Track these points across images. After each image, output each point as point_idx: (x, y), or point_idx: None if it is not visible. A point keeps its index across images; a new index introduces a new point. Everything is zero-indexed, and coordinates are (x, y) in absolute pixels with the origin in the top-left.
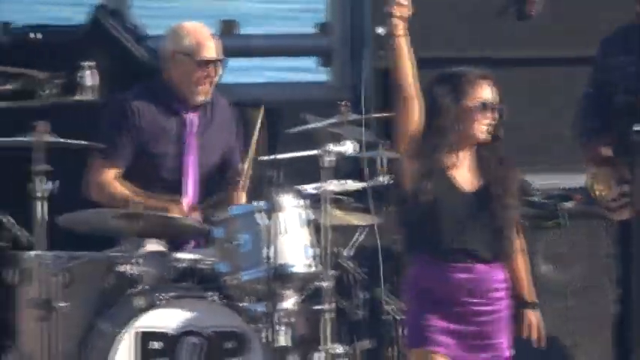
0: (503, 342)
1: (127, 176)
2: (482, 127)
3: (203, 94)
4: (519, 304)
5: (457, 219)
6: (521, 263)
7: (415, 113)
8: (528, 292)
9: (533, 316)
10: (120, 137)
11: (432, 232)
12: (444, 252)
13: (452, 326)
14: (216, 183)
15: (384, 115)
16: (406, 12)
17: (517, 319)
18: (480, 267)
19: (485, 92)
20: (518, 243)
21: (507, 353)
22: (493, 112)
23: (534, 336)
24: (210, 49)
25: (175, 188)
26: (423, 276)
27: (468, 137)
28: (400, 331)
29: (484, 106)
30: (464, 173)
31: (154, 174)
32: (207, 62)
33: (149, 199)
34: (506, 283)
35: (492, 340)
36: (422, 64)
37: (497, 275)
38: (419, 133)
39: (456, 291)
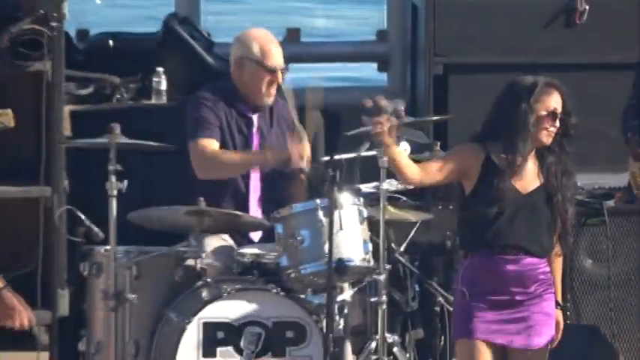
0: (546, 329)
1: None
2: (549, 133)
3: (268, 97)
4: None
5: (513, 217)
6: (559, 266)
7: (429, 180)
8: (561, 293)
9: (560, 316)
10: (209, 118)
11: (489, 228)
12: (498, 246)
13: (499, 315)
14: (280, 178)
15: (439, 118)
16: (387, 126)
17: None
18: (529, 260)
19: (555, 100)
20: (559, 248)
21: (548, 336)
22: (558, 120)
23: (558, 335)
24: (276, 57)
25: (242, 182)
26: (476, 268)
27: (534, 142)
28: (449, 322)
29: (553, 114)
30: (523, 175)
31: None
32: (273, 68)
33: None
34: (550, 277)
35: (536, 326)
36: (482, 68)
37: (544, 269)
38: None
39: (506, 281)
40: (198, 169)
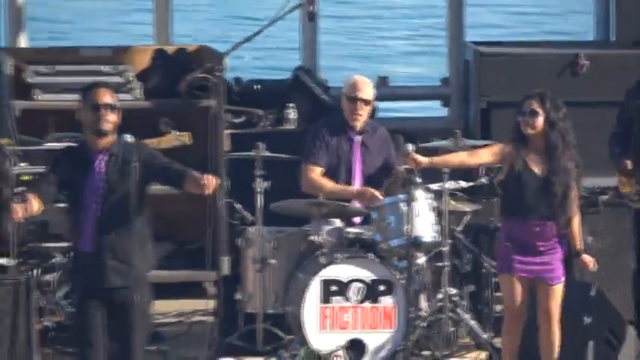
0: (559, 269)
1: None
2: (525, 129)
3: (355, 121)
4: (576, 253)
5: (533, 192)
6: (576, 225)
7: (479, 161)
8: (580, 244)
9: (586, 257)
10: (319, 148)
11: (519, 200)
12: (526, 213)
13: (527, 259)
14: (378, 180)
15: (484, 142)
16: (419, 165)
17: (570, 266)
18: (547, 223)
19: (527, 106)
20: (576, 211)
21: (560, 276)
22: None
23: (592, 266)
24: (362, 92)
25: (348, 183)
26: (511, 228)
27: (531, 141)
28: (493, 279)
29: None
30: (536, 162)
31: (337, 173)
32: (354, 98)
33: (341, 189)
34: (559, 234)
35: (552, 266)
36: (514, 105)
37: (554, 229)
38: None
39: (531, 237)
40: (302, 185)
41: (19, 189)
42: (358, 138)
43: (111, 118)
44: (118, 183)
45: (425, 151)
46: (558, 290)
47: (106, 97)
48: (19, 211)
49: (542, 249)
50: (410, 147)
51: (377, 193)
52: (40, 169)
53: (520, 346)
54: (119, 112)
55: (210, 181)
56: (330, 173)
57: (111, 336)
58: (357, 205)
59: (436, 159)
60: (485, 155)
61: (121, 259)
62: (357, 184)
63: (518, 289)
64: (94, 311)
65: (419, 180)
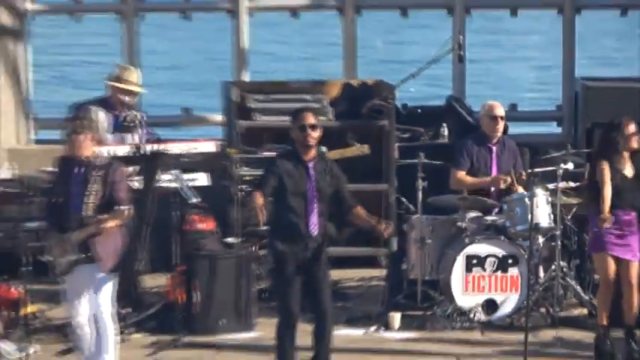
0: (637, 249)
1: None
2: (632, 145)
3: (493, 133)
4: None
5: (623, 190)
6: None
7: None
8: None
9: None
10: (465, 157)
11: (613, 196)
12: (618, 205)
13: (617, 241)
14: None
15: (587, 150)
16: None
17: None
18: (632, 213)
19: (630, 127)
20: None
21: (638, 254)
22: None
23: None
24: (498, 112)
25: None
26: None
27: (626, 148)
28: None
29: (632, 134)
30: (627, 167)
31: (478, 175)
32: (493, 117)
33: (479, 181)
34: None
35: (632, 247)
36: None
37: (636, 217)
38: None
39: (621, 224)
40: (450, 184)
41: (243, 187)
42: (494, 148)
43: (315, 134)
44: (322, 182)
45: (544, 161)
46: (637, 265)
47: (310, 119)
48: (258, 200)
49: (627, 233)
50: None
51: (504, 177)
52: (258, 172)
53: (611, 306)
54: (320, 130)
55: (389, 231)
56: (473, 175)
57: (305, 293)
58: (492, 190)
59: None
60: (608, 189)
61: (317, 238)
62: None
63: (610, 264)
64: (294, 275)
65: (539, 181)
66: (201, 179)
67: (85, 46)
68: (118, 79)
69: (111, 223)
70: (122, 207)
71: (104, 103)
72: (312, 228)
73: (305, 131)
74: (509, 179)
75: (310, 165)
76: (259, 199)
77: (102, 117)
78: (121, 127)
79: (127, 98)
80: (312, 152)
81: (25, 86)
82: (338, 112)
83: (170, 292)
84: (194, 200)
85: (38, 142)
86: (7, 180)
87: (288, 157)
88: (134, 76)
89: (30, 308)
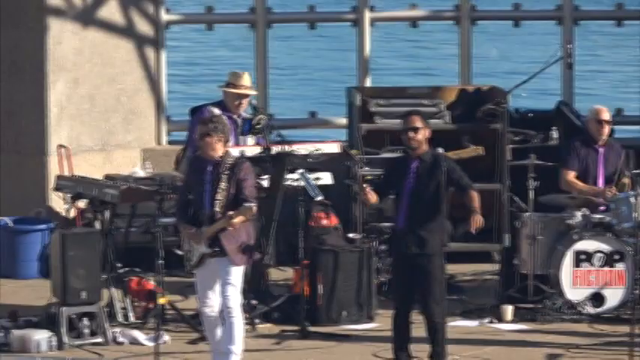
0: None
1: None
2: None
3: (601, 138)
4: None
5: None
6: None
7: None
8: None
9: None
10: (573, 158)
11: None
12: None
13: None
14: (612, 180)
15: None
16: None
17: None
18: None
19: None
20: None
21: None
22: None
23: None
24: (605, 116)
25: (594, 182)
26: None
27: None
28: None
29: None
30: None
31: (586, 175)
32: (602, 122)
33: (587, 188)
34: None
35: None
36: None
37: None
38: None
39: None
40: (560, 184)
41: (364, 185)
42: (601, 150)
43: (418, 137)
44: (425, 180)
45: None
46: None
47: (414, 122)
48: (370, 198)
49: None
50: None
51: (610, 192)
52: (379, 171)
53: None
54: (425, 131)
55: (477, 223)
56: (581, 175)
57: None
58: (599, 200)
59: None
60: None
61: (423, 233)
62: (600, 183)
63: None
64: (406, 269)
65: None
66: (326, 178)
67: (215, 54)
68: (230, 85)
69: (239, 219)
70: (249, 204)
71: (219, 106)
72: (402, 223)
73: (408, 133)
74: (614, 190)
75: (413, 165)
76: (371, 196)
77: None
78: (250, 130)
79: (242, 101)
80: (417, 152)
81: (161, 90)
82: (454, 116)
83: (295, 285)
84: (319, 198)
85: (172, 142)
86: (143, 178)
87: (401, 158)
88: (245, 79)
89: (163, 300)
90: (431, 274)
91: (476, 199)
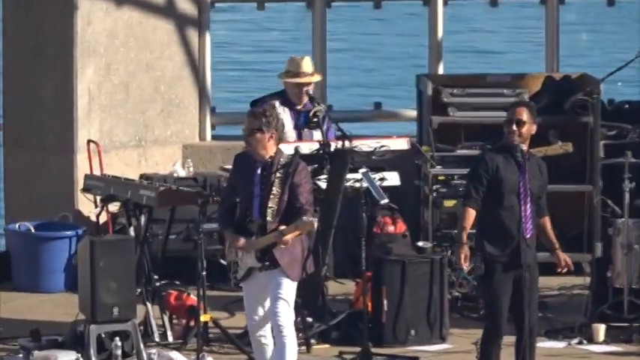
0: None
1: None
2: None
3: None
4: None
5: None
6: None
7: None
8: None
9: None
10: None
11: None
12: None
13: None
14: None
15: None
16: None
17: None
18: None
19: None
20: None
21: None
22: None
23: None
24: None
25: None
26: None
27: None
28: None
29: None
30: None
31: None
32: None
33: None
34: None
35: None
36: None
37: None
38: None
39: None
40: None
41: (436, 187)
42: None
43: (520, 132)
44: (532, 183)
45: None
46: None
47: (520, 114)
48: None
49: None
50: None
51: None
52: (453, 171)
53: None
54: (530, 127)
55: (566, 263)
56: None
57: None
58: None
59: None
60: None
61: (529, 243)
62: None
63: None
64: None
65: None
66: (392, 179)
67: (267, 36)
68: (290, 73)
69: (292, 236)
70: (307, 218)
71: (282, 97)
72: (526, 231)
73: (509, 126)
74: None
75: (522, 162)
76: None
77: (283, 113)
78: (305, 123)
79: (304, 90)
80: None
81: (205, 78)
82: (539, 107)
83: (357, 300)
84: (384, 201)
85: (216, 137)
86: (183, 178)
87: (500, 151)
88: (305, 65)
89: (206, 317)
90: (535, 287)
91: (549, 228)
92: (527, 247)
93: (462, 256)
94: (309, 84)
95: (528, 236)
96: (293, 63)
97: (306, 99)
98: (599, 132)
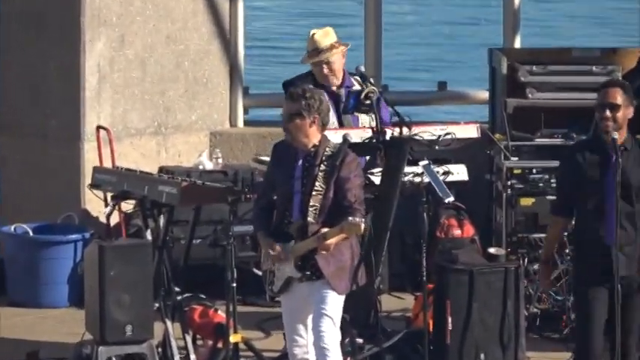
0: None
1: None
2: None
3: None
4: None
5: None
6: None
7: None
8: None
9: None
10: None
11: None
12: None
13: None
14: None
15: None
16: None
17: None
18: None
19: None
20: None
21: None
22: None
23: None
24: None
25: None
26: None
27: None
28: None
29: None
30: None
31: None
32: None
33: None
34: None
35: None
36: None
37: None
38: None
39: None
40: None
41: (512, 182)
42: None
43: (615, 117)
44: (633, 176)
45: None
46: None
47: (612, 96)
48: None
49: None
50: None
51: None
52: (532, 164)
53: None
54: (627, 111)
55: None
56: None
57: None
58: None
59: None
60: None
61: (627, 249)
62: None
63: None
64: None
65: None
66: (459, 172)
67: (312, 3)
68: (310, 52)
69: (335, 240)
70: (354, 219)
71: (313, 78)
72: (609, 236)
73: (601, 112)
74: None
75: (612, 153)
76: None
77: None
78: (355, 106)
79: (329, 68)
80: (620, 137)
81: (238, 53)
82: (634, 88)
83: (416, 318)
84: (449, 199)
85: (250, 123)
86: (211, 172)
87: (588, 144)
88: (322, 40)
89: (236, 337)
90: (637, 305)
91: None
92: (624, 255)
93: (542, 276)
94: (328, 62)
95: (622, 242)
96: (310, 41)
97: (335, 79)
98: None
